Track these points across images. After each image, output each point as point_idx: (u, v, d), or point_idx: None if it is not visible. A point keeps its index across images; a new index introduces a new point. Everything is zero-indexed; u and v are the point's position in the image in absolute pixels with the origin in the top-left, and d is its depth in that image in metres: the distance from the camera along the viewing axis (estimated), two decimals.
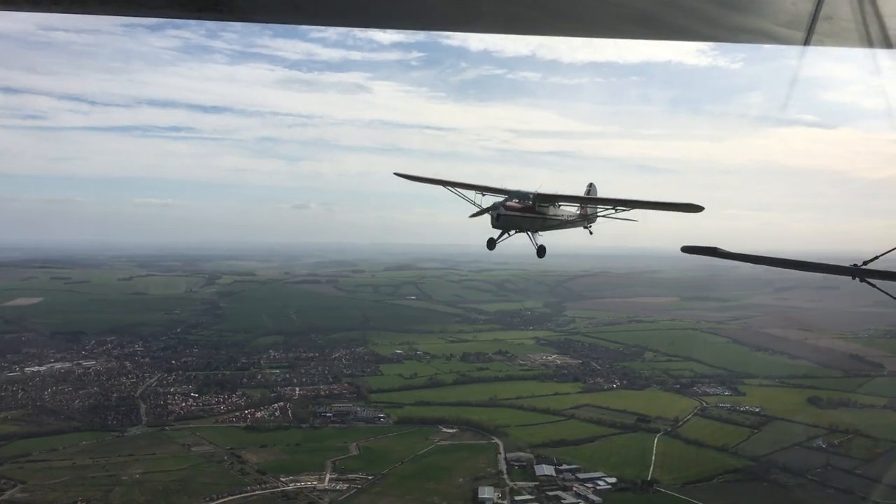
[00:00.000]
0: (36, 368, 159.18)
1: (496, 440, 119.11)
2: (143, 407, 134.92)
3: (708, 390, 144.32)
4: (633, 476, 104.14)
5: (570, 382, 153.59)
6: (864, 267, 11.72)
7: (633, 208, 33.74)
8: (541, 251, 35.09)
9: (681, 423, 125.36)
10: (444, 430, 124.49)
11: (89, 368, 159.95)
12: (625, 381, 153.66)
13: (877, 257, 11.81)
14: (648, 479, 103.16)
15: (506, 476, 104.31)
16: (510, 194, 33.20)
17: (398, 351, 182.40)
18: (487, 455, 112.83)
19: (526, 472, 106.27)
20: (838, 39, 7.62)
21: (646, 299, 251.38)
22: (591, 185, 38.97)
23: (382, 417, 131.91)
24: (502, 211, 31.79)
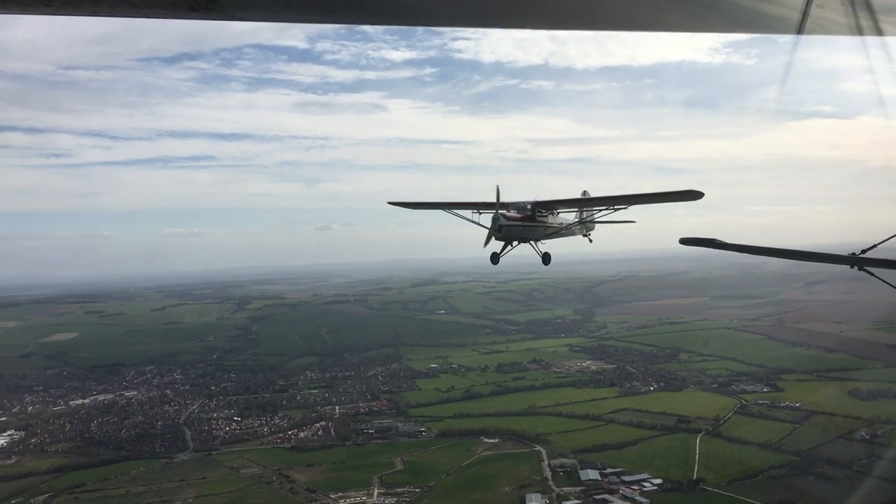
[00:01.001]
0: (80, 401, 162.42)
1: (538, 448, 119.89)
2: (188, 433, 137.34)
3: (746, 388, 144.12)
4: (678, 476, 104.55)
5: (606, 387, 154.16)
6: (862, 255, 11.58)
7: (630, 204, 34.04)
8: (546, 258, 35.73)
9: (722, 421, 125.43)
10: (486, 440, 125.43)
11: (132, 398, 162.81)
12: (662, 384, 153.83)
13: (875, 245, 11.67)
14: (694, 478, 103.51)
15: (551, 482, 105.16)
16: (508, 206, 33.78)
17: (433, 365, 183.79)
18: (531, 463, 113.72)
19: (571, 477, 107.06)
20: (830, 27, 7.61)
21: (675, 301, 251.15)
22: (584, 192, 39.54)
23: (424, 431, 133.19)
24: (503, 222, 32.24)
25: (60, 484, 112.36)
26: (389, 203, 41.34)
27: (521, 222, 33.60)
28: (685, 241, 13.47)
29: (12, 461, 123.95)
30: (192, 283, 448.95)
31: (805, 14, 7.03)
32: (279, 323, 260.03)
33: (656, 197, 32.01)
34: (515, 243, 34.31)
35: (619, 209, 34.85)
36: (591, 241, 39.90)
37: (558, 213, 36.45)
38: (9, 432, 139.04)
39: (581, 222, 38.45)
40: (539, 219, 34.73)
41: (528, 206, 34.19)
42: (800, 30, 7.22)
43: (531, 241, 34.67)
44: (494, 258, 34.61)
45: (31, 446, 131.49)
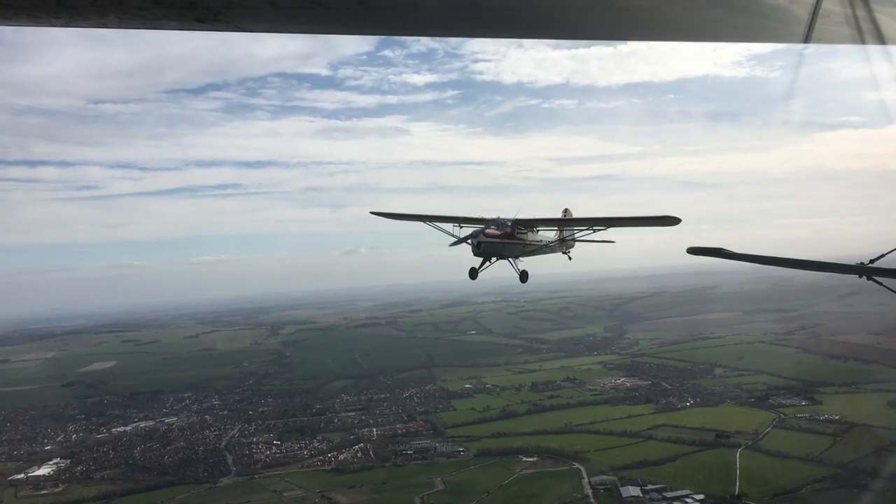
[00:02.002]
0: (122, 428, 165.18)
1: (577, 465, 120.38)
2: (229, 458, 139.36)
3: (784, 402, 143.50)
4: (720, 492, 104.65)
5: (642, 404, 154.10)
6: (870, 265, 11.58)
7: (609, 226, 34.38)
8: (523, 276, 35.87)
9: (761, 436, 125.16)
10: (525, 458, 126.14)
11: (172, 425, 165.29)
12: (698, 399, 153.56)
13: (883, 255, 11.62)
14: (736, 493, 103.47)
15: (592, 500, 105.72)
16: (488, 222, 34.28)
17: (467, 385, 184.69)
18: (571, 480, 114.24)
19: (612, 494, 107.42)
20: (835, 37, 7.65)
21: (707, 316, 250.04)
22: (566, 210, 39.81)
23: (462, 451, 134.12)
24: (483, 239, 32.84)
25: None
26: (372, 213, 41.90)
27: (501, 239, 33.97)
28: (692, 251, 13.44)
29: (60, 489, 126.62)
30: (223, 310, 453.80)
31: (811, 25, 7.03)
32: (312, 347, 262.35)
33: (634, 221, 32.77)
34: (494, 259, 34.83)
35: (598, 230, 35.44)
36: (570, 258, 40.34)
37: (538, 230, 36.95)
38: (55, 461, 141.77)
39: (562, 240, 39.02)
40: (518, 236, 35.13)
41: (509, 224, 34.55)
42: (806, 39, 7.21)
43: (509, 259, 35.24)
44: (473, 273, 35.39)
45: (77, 474, 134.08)
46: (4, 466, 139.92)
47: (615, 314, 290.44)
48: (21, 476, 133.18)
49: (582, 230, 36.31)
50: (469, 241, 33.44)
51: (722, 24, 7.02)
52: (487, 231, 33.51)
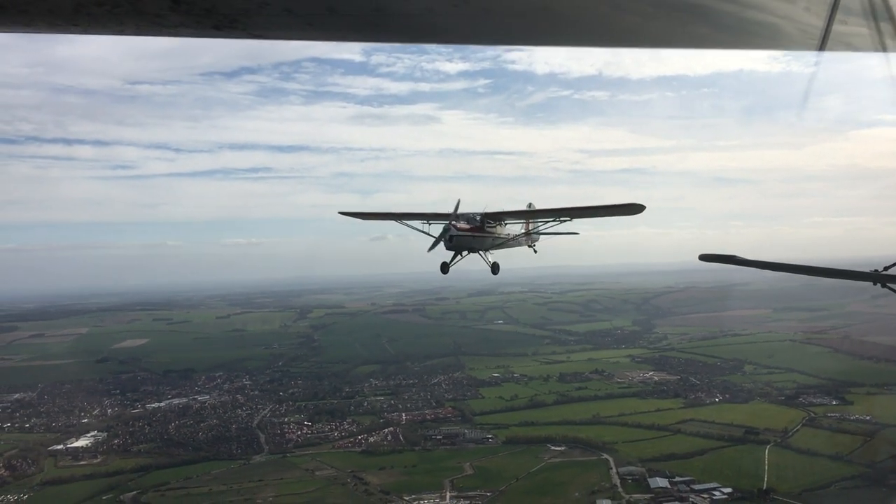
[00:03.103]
0: (156, 405, 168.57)
1: (605, 456, 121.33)
2: (261, 436, 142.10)
3: (814, 401, 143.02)
4: (748, 486, 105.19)
5: (670, 398, 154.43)
6: (885, 272, 11.29)
7: (574, 217, 35.95)
8: (494, 268, 36.87)
9: (790, 433, 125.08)
10: (553, 447, 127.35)
11: (205, 403, 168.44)
12: (727, 395, 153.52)
13: None
14: (764, 488, 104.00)
15: (620, 489, 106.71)
16: (457, 218, 34.84)
17: (495, 374, 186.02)
18: (599, 470, 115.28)
19: (640, 485, 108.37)
20: (852, 44, 7.53)
21: (737, 312, 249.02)
22: (530, 204, 40.29)
23: (490, 438, 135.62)
24: (454, 232, 33.74)
25: (146, 482, 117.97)
26: (340, 213, 42.39)
27: (471, 233, 34.98)
28: (704, 258, 13.28)
29: (98, 460, 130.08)
30: (253, 292, 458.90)
31: (827, 30, 6.91)
32: (340, 332, 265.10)
33: (599, 210, 33.83)
34: (465, 253, 35.74)
35: (564, 221, 36.60)
36: (535, 251, 41.21)
37: (506, 224, 37.79)
38: (92, 433, 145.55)
39: (527, 234, 39.81)
40: (487, 230, 36.06)
41: (478, 218, 35.50)
42: (822, 46, 7.11)
43: (480, 252, 36.16)
44: (444, 267, 36.36)
45: (114, 446, 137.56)
46: (44, 437, 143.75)
47: (643, 308, 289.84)
48: (60, 447, 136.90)
49: (548, 222, 37.58)
50: (442, 237, 34.19)
51: (733, 31, 6.98)
52: (458, 225, 34.38)
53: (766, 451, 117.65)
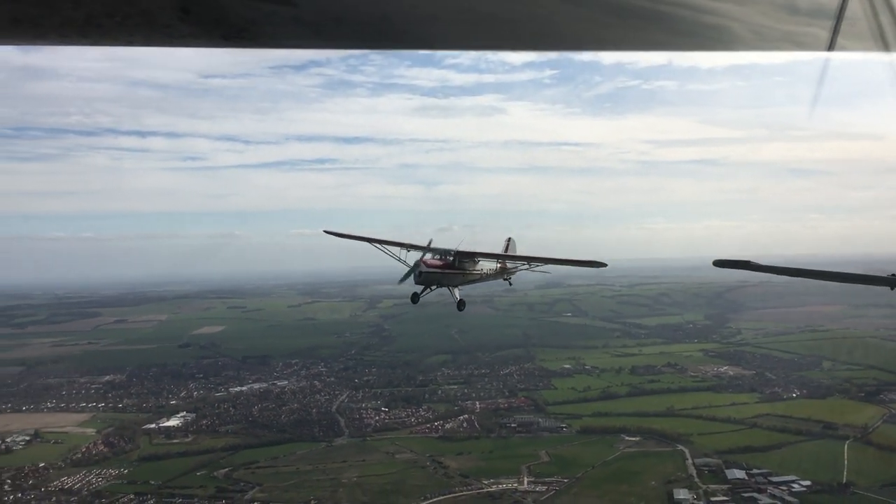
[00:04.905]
0: (238, 389, 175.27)
1: (681, 447, 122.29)
2: (341, 420, 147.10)
3: (895, 397, 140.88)
4: (826, 479, 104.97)
5: (746, 393, 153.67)
6: None
7: (543, 263, 38.76)
8: (460, 305, 38.25)
9: (870, 430, 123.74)
10: (627, 438, 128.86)
11: (284, 388, 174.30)
12: (804, 391, 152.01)
13: None
14: (843, 482, 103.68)
15: (697, 479, 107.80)
16: (432, 251, 36.58)
17: (566, 366, 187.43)
18: (675, 461, 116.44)
19: (717, 476, 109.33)
20: (860, 43, 7.41)
21: (814, 308, 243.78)
22: (509, 239, 42.02)
23: (564, 427, 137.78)
24: (423, 269, 35.47)
25: (236, 460, 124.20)
26: (325, 231, 44.42)
27: (441, 269, 36.47)
28: (719, 264, 13.21)
29: (190, 439, 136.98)
30: (320, 282, 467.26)
31: (835, 31, 6.87)
32: (409, 322, 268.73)
33: (564, 262, 37.72)
34: (434, 287, 37.16)
35: (535, 266, 39.13)
36: (510, 284, 42.82)
37: (478, 261, 38.86)
38: (181, 414, 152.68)
39: (504, 270, 41.10)
40: (459, 266, 37.30)
41: (450, 257, 36.84)
42: (830, 47, 7.06)
43: (448, 287, 37.51)
44: (414, 297, 38.16)
45: (203, 427, 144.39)
46: (136, 417, 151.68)
47: (716, 302, 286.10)
48: (153, 426, 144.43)
49: (522, 264, 39.53)
50: (412, 271, 35.69)
51: (741, 33, 6.90)
52: (428, 261, 36.03)
53: (846, 447, 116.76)
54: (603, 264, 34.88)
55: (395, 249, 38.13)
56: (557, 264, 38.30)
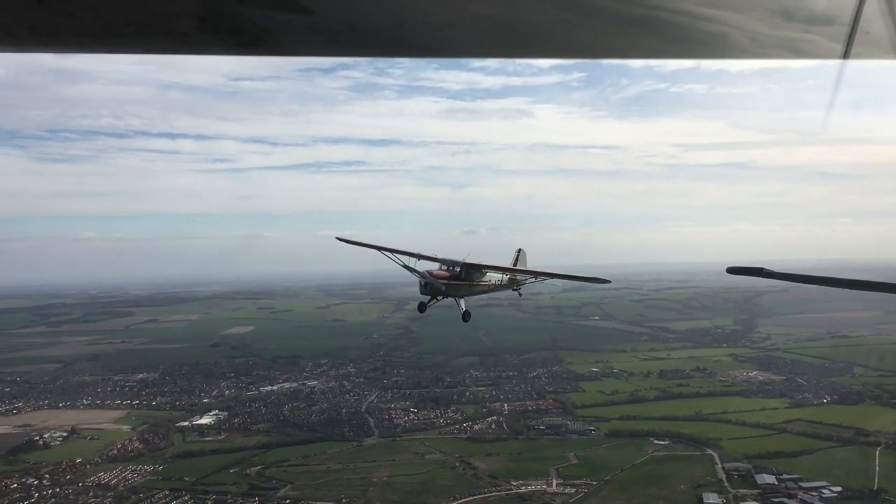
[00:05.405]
0: (269, 388, 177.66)
1: (710, 451, 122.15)
2: (371, 420, 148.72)
3: None
4: (857, 486, 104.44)
5: (776, 398, 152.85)
6: None
7: (549, 278, 39.42)
8: (465, 316, 38.05)
9: None
10: (656, 441, 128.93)
11: (314, 387, 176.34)
12: (835, 397, 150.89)
13: None
14: (875, 488, 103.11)
15: (726, 484, 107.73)
16: (440, 262, 37.09)
17: (594, 369, 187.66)
18: (704, 465, 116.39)
19: (746, 480, 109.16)
20: (876, 51, 7.33)
21: (845, 314, 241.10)
22: (519, 250, 42.17)
23: (593, 430, 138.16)
24: (429, 279, 35.74)
25: (268, 458, 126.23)
26: (337, 238, 44.42)
27: (447, 280, 36.63)
28: (732, 271, 12.85)
29: (223, 437, 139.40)
30: (348, 283, 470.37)
31: (850, 39, 6.72)
32: (437, 324, 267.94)
33: (569, 277, 39.00)
34: (440, 298, 37.25)
35: (542, 279, 39.84)
36: (520, 294, 42.53)
37: (485, 273, 38.87)
38: (214, 412, 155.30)
39: (513, 280, 40.91)
40: (465, 278, 37.43)
41: (458, 268, 37.11)
42: (845, 55, 6.93)
43: (455, 297, 37.48)
44: (421, 307, 38.44)
45: (235, 425, 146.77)
46: (170, 414, 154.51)
47: (745, 307, 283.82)
48: (186, 423, 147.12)
49: (528, 278, 40.19)
50: (419, 280, 36.40)
51: (754, 41, 6.83)
52: (434, 272, 36.46)
53: (877, 453, 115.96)
54: (607, 281, 36.18)
55: (405, 258, 38.44)
56: (563, 279, 39.43)
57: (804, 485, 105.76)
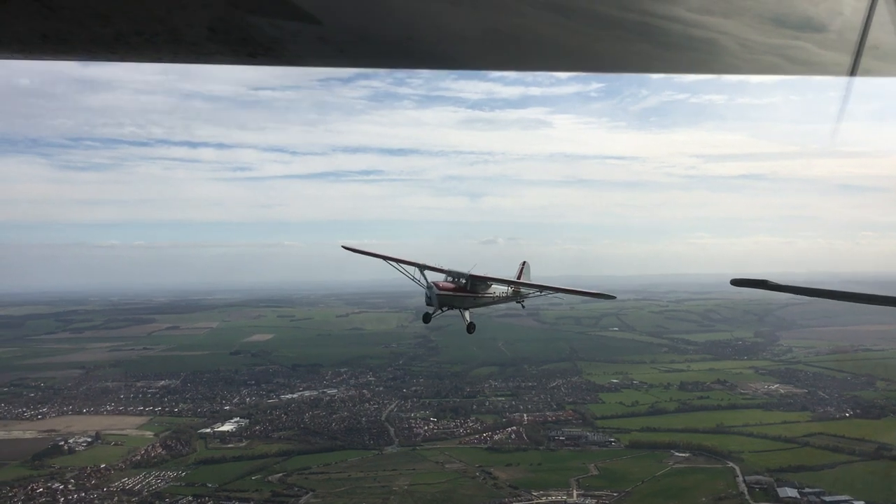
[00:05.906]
0: (289, 396, 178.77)
1: (731, 464, 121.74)
2: (391, 429, 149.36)
3: None
4: (881, 500, 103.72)
5: (797, 411, 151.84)
6: None
7: (555, 292, 39.37)
8: (470, 328, 38.34)
9: None
10: (677, 454, 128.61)
11: (334, 396, 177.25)
12: (858, 410, 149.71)
13: None
14: None
15: (748, 497, 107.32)
16: (446, 274, 37.73)
17: (614, 380, 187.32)
18: (725, 478, 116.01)
19: (768, 494, 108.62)
20: (884, 68, 7.38)
21: (868, 327, 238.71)
22: (524, 263, 42.42)
23: (613, 441, 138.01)
24: (435, 291, 36.40)
25: (289, 466, 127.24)
26: (343, 247, 45.38)
27: (452, 292, 37.24)
28: (736, 283, 14.29)
29: (244, 444, 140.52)
30: (367, 292, 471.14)
31: (858, 56, 6.79)
32: (456, 334, 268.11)
33: (575, 292, 38.35)
34: (445, 309, 37.71)
35: (547, 293, 39.87)
36: (523, 307, 43.04)
37: (490, 285, 39.21)
38: (235, 419, 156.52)
39: (517, 292, 41.10)
40: (471, 290, 37.91)
41: (463, 280, 37.60)
42: (853, 72, 7.01)
43: (460, 309, 37.99)
44: (426, 318, 38.89)
45: (256, 432, 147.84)
46: (192, 421, 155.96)
47: (767, 319, 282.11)
48: (208, 430, 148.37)
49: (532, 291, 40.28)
50: (425, 291, 37.12)
51: (761, 57, 6.88)
52: (440, 284, 37.13)
53: None
54: (612, 297, 36.80)
55: (411, 269, 39.41)
56: (568, 294, 39.77)
57: (827, 499, 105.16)
